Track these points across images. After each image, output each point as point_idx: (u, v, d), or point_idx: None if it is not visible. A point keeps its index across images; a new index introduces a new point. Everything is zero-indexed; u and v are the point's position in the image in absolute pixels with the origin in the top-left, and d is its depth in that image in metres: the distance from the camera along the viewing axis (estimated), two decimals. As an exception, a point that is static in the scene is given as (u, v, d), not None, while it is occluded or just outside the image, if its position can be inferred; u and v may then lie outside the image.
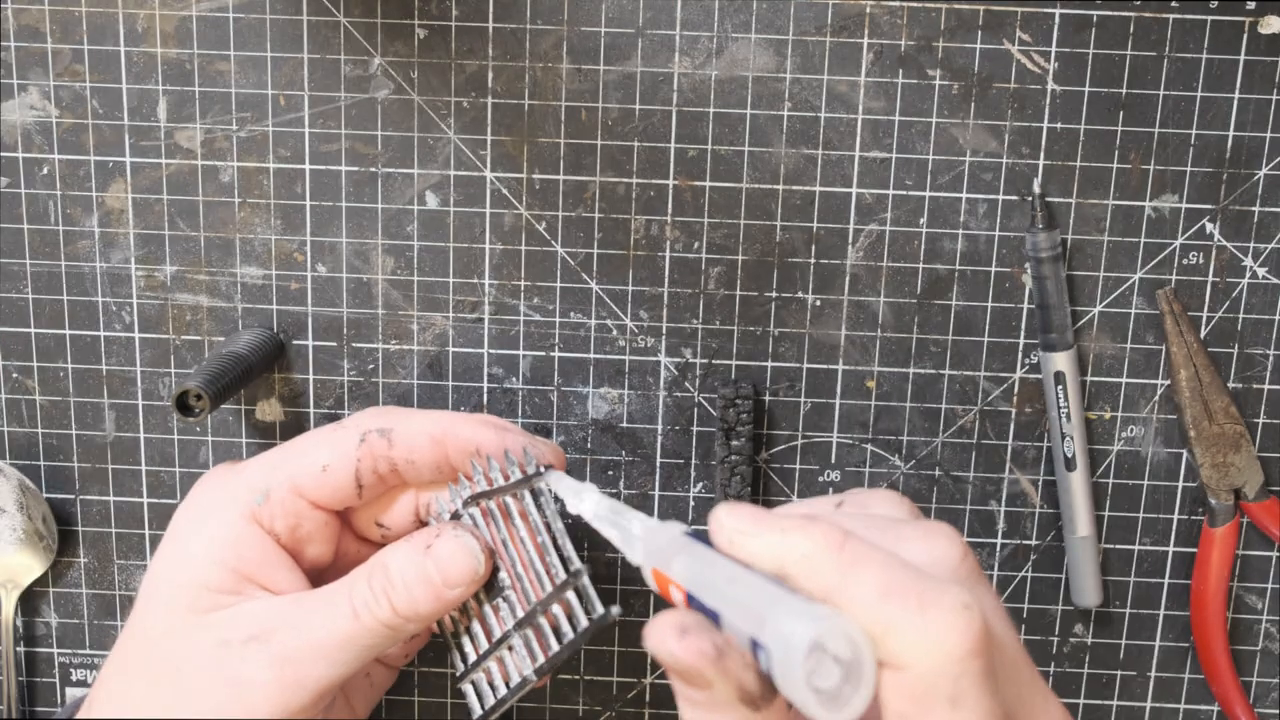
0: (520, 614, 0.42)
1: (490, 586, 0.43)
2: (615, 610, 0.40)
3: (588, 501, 0.39)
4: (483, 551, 0.42)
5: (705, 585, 0.32)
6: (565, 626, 0.41)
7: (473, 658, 0.43)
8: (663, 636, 0.31)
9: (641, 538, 0.35)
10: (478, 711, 0.43)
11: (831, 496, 0.38)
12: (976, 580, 0.34)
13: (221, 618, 0.42)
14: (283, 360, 0.50)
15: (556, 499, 0.41)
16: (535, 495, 0.42)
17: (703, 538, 0.34)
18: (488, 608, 0.43)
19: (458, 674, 0.44)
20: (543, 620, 0.41)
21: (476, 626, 0.43)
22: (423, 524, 0.45)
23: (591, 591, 0.41)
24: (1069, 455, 0.48)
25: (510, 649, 0.42)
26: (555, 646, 0.41)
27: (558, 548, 0.41)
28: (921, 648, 0.30)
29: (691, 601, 0.33)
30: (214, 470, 0.45)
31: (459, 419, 0.43)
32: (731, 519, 0.33)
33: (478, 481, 0.43)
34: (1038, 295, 0.48)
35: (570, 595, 0.41)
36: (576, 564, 0.41)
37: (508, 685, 0.42)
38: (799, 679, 0.29)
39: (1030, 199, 0.47)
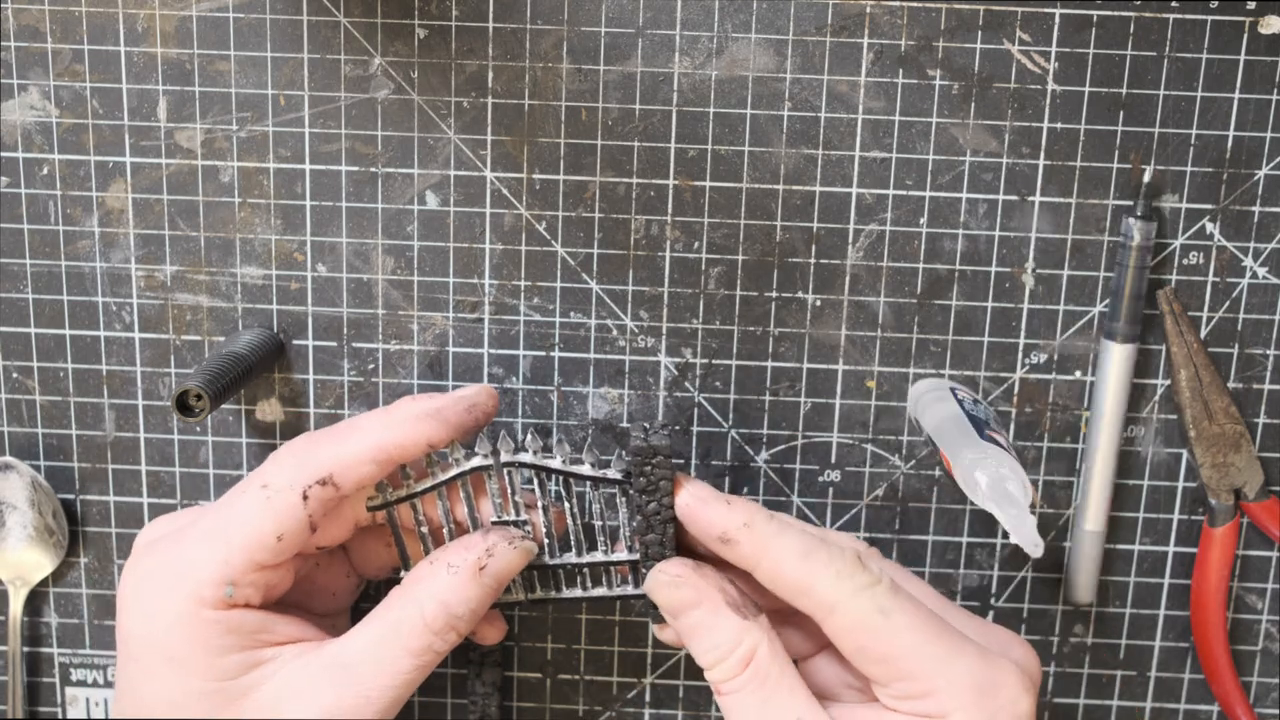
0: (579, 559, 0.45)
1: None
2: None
3: None
4: (534, 540, 0.44)
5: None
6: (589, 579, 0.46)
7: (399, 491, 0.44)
8: (655, 574, 0.42)
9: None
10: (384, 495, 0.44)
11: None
12: (873, 556, 0.45)
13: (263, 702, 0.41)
14: (283, 360, 0.50)
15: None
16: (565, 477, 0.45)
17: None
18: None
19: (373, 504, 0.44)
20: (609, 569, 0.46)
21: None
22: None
23: (631, 575, 0.46)
24: (1099, 446, 0.48)
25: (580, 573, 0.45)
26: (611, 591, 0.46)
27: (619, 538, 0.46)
28: (838, 589, 0.40)
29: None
30: (148, 574, 0.41)
31: (393, 426, 0.42)
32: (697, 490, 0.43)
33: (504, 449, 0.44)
34: (1125, 284, 0.47)
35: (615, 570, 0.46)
36: (627, 554, 0.45)
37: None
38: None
39: (1138, 185, 0.47)
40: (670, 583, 0.42)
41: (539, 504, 0.44)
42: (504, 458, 0.44)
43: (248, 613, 0.41)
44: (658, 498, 0.42)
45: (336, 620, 0.48)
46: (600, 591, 0.45)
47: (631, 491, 0.43)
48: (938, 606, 0.43)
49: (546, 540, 0.45)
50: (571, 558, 0.45)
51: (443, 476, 0.44)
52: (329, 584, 0.47)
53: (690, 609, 0.41)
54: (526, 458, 0.44)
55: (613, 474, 0.44)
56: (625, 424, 0.50)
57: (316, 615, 0.46)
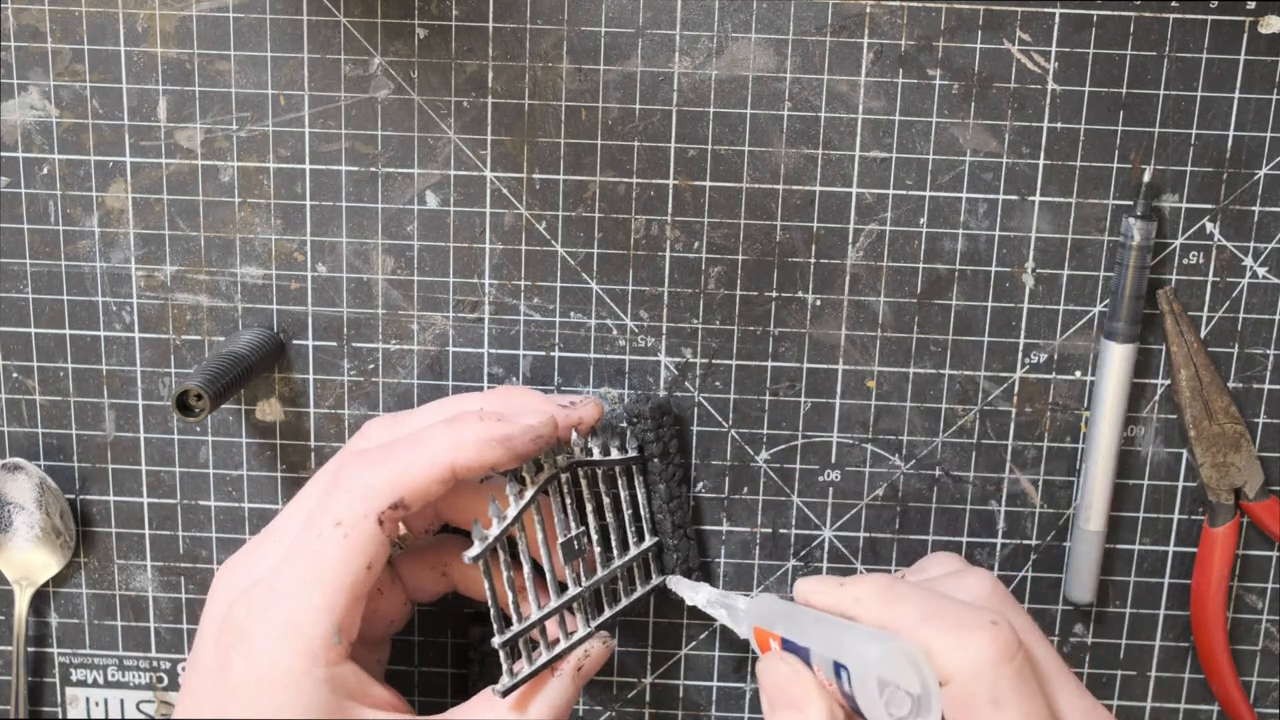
0: (588, 578, 0.45)
1: (567, 549, 0.44)
2: (671, 583, 0.48)
3: (702, 594, 0.47)
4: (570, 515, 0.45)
5: (796, 630, 0.40)
6: (622, 593, 0.47)
7: (516, 624, 0.43)
8: (774, 659, 0.40)
9: (745, 610, 0.44)
10: (511, 676, 0.43)
11: (898, 571, 0.47)
12: (1007, 604, 0.41)
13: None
14: (283, 360, 0.50)
15: (644, 469, 0.48)
16: (630, 469, 0.47)
17: (789, 601, 0.43)
18: (548, 572, 0.44)
19: (498, 640, 0.43)
20: (612, 585, 0.47)
21: (530, 594, 0.44)
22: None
23: (652, 563, 0.48)
24: (1099, 446, 0.48)
25: (571, 610, 0.45)
26: (607, 610, 0.46)
27: (639, 519, 0.48)
28: (958, 659, 0.36)
29: (785, 645, 0.41)
30: (254, 618, 0.40)
31: (460, 448, 0.41)
32: (806, 583, 0.42)
33: (580, 449, 0.45)
34: (1125, 284, 0.47)
35: (637, 565, 0.48)
36: (649, 538, 0.48)
37: (557, 641, 0.44)
38: (873, 688, 0.36)
39: (1138, 185, 0.47)
40: (789, 675, 0.39)
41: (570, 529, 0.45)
42: (560, 461, 0.44)
43: (350, 670, 0.41)
44: (674, 459, 0.46)
45: (379, 650, 0.48)
46: (638, 593, 0.47)
47: (655, 460, 0.47)
48: (1056, 678, 0.40)
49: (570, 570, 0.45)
50: (601, 573, 0.46)
51: (528, 494, 0.43)
52: (389, 611, 0.47)
53: (788, 710, 0.39)
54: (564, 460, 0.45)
55: (630, 453, 0.47)
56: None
57: (366, 644, 0.46)
